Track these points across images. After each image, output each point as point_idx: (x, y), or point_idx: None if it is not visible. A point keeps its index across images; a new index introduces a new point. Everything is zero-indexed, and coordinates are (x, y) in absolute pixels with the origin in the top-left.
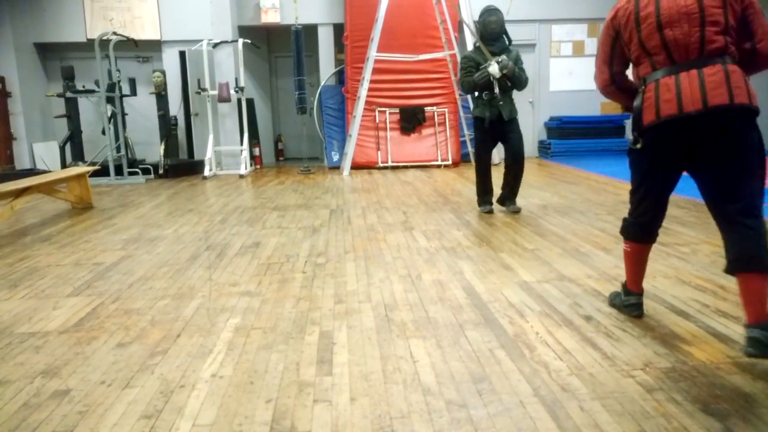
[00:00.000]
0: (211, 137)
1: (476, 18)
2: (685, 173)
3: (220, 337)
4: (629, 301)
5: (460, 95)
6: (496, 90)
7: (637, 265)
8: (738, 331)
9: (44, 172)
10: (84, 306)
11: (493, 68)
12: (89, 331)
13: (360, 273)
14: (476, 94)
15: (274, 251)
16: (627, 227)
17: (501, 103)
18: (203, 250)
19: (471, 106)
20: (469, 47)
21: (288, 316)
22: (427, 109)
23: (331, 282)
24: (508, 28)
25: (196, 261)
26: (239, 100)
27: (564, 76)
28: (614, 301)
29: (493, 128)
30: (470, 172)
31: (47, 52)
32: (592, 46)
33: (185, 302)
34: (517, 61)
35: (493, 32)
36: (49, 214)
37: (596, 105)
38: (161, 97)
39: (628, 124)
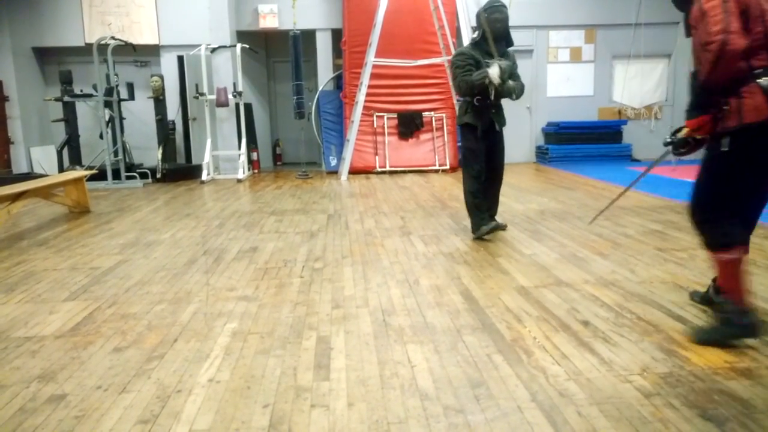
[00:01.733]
0: (209, 142)
1: (474, 23)
2: (685, 179)
3: (217, 342)
4: (752, 319)
5: (458, 100)
6: (491, 96)
7: (744, 273)
8: None
9: (41, 176)
10: (80, 310)
11: (494, 71)
12: (85, 336)
13: (357, 278)
14: (463, 98)
15: (272, 256)
16: (730, 232)
17: (494, 111)
18: (200, 254)
19: (457, 114)
20: None
21: (285, 321)
22: (425, 114)
23: (329, 287)
24: None
25: (193, 265)
26: (237, 105)
27: (561, 81)
28: (731, 332)
29: (483, 138)
30: None
31: (45, 56)
32: (589, 52)
33: (182, 307)
34: (514, 66)
35: (497, 32)
36: (45, 218)
37: (594, 111)
38: (159, 102)
39: (626, 129)
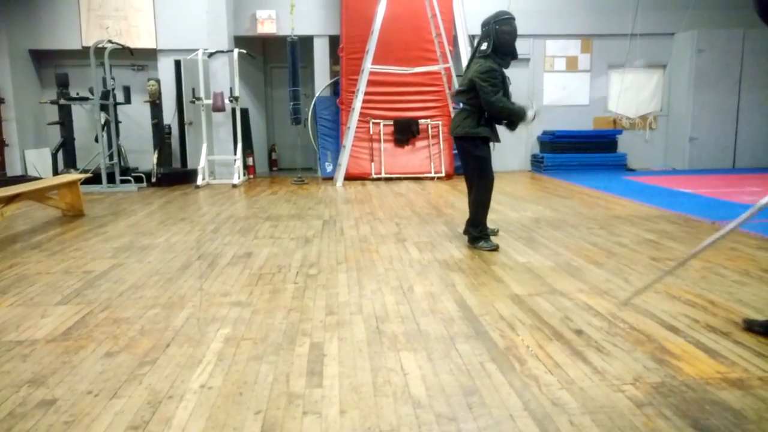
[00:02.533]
0: (204, 146)
1: (471, 31)
2: (680, 188)
3: (210, 348)
4: None
5: (455, 108)
6: (512, 126)
7: None
8: (727, 347)
9: (35, 178)
10: (73, 314)
11: (531, 114)
12: (77, 340)
13: (352, 284)
14: (467, 108)
15: (266, 261)
16: None
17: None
18: (195, 259)
19: (465, 125)
20: (464, 61)
21: (279, 327)
22: (421, 121)
23: (323, 293)
24: None
25: (187, 270)
26: (234, 110)
27: (557, 90)
28: None
29: None
30: (463, 185)
31: (42, 59)
32: (585, 61)
33: (175, 312)
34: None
35: (506, 44)
36: (39, 221)
37: (589, 120)
38: (155, 106)
39: (621, 139)
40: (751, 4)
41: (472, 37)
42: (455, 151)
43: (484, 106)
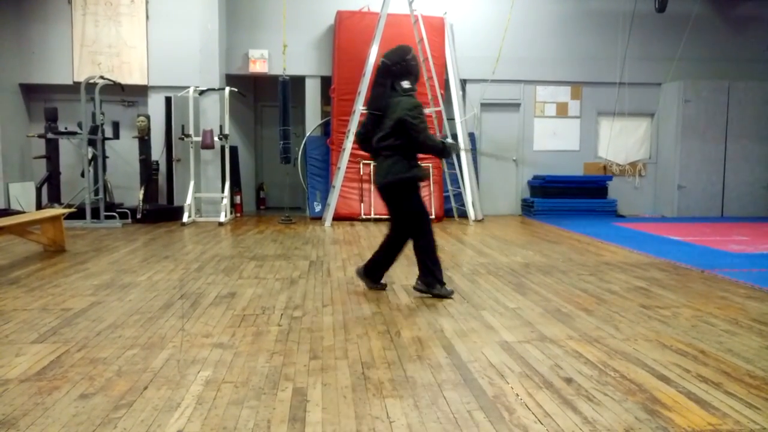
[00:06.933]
0: (192, 183)
1: (462, 76)
2: (669, 236)
3: (189, 391)
4: None
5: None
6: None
7: None
8: (719, 398)
9: (18, 212)
10: (48, 353)
11: (460, 145)
12: (51, 381)
13: (337, 328)
14: (391, 154)
15: (250, 302)
16: None
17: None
18: (177, 298)
19: (395, 170)
20: (456, 107)
21: (261, 370)
22: None
23: (307, 336)
24: (495, 87)
25: (169, 310)
26: (222, 148)
27: (548, 136)
28: None
29: None
30: (453, 227)
31: (32, 92)
32: (575, 107)
33: (155, 352)
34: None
35: (418, 76)
36: (19, 256)
37: (579, 165)
38: (144, 142)
39: (611, 185)
40: None
41: (463, 82)
42: (446, 194)
43: (417, 145)
